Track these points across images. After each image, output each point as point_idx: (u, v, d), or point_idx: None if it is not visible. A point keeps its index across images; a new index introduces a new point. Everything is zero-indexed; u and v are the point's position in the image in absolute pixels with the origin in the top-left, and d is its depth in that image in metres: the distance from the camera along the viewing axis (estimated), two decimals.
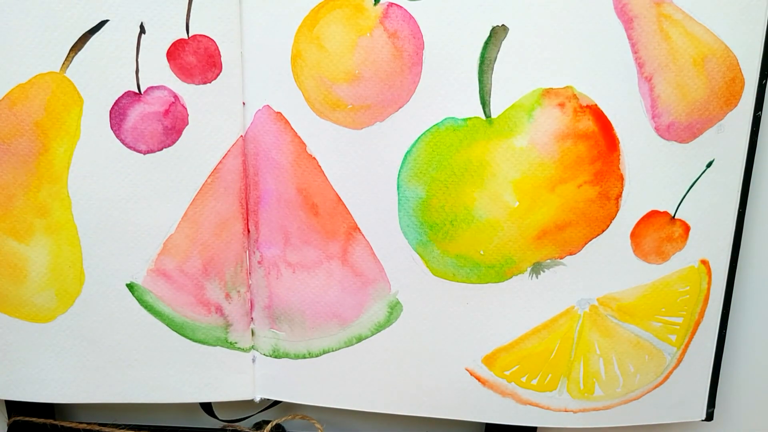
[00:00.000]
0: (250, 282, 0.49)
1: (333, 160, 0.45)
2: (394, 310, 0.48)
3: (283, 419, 0.54)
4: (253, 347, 0.50)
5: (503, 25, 0.42)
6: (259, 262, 0.48)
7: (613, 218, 0.45)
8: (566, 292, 0.47)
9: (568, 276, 0.47)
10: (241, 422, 0.55)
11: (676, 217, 0.45)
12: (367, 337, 0.49)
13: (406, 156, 0.45)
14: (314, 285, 0.48)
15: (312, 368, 0.50)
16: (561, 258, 0.46)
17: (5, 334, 0.49)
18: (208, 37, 0.44)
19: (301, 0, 0.43)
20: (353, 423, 0.56)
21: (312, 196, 0.46)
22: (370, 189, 0.46)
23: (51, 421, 0.54)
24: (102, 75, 0.44)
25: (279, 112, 0.45)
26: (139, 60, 0.44)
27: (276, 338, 0.50)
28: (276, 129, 0.45)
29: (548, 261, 0.46)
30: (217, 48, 0.44)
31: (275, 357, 0.50)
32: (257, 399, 0.51)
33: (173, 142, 0.45)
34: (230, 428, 0.55)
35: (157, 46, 0.44)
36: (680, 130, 0.44)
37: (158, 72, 0.44)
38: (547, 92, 0.43)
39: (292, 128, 0.45)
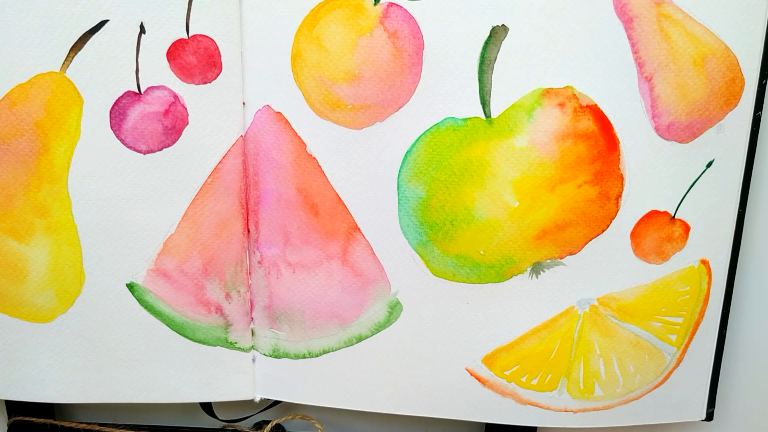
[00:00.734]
0: (250, 282, 0.49)
1: (333, 160, 0.45)
2: (394, 310, 0.48)
3: (283, 419, 0.54)
4: (253, 347, 0.50)
5: (503, 25, 0.42)
6: (259, 262, 0.48)
7: (613, 218, 0.45)
8: (566, 292, 0.47)
9: (568, 276, 0.47)
10: (241, 422, 0.55)
11: (676, 217, 0.45)
12: (367, 337, 0.49)
13: (406, 156, 0.45)
14: (314, 285, 0.48)
15: (312, 368, 0.50)
16: (561, 258, 0.46)
17: (5, 334, 0.49)
18: (208, 37, 0.44)
19: (301, 0, 0.43)
20: (353, 423, 0.56)
21: (312, 196, 0.46)
22: (370, 189, 0.46)
23: (51, 421, 0.54)
24: (102, 75, 0.44)
25: (279, 112, 0.45)
26: (139, 60, 0.44)
27: (276, 338, 0.50)
28: (276, 129, 0.45)
29: (548, 261, 0.46)
30: (217, 48, 0.44)
31: (275, 357, 0.50)
32: (257, 399, 0.51)
33: (173, 142, 0.45)
34: (230, 428, 0.55)
35: (157, 46, 0.44)
36: (680, 130, 0.44)
37: (158, 72, 0.44)
38: (547, 92, 0.43)
39: (292, 128, 0.45)
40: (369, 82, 0.43)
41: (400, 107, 0.44)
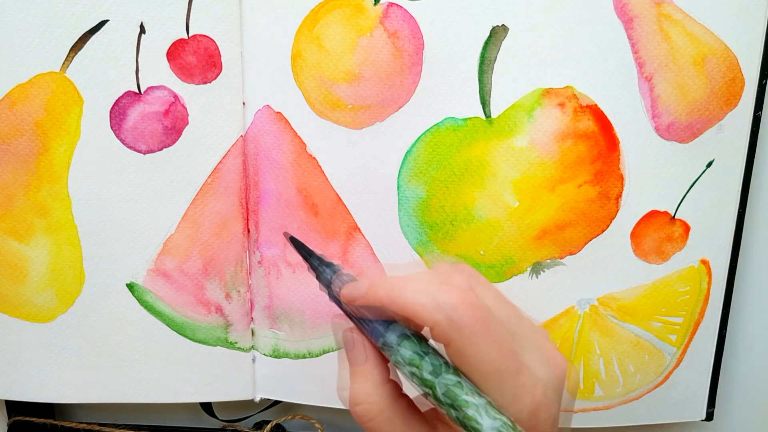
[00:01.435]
0: (250, 282, 0.49)
1: (333, 160, 0.45)
2: None
3: (283, 419, 0.54)
4: (253, 347, 0.50)
5: (503, 25, 0.42)
6: (259, 262, 0.48)
7: (613, 218, 0.45)
8: (566, 291, 0.47)
9: (568, 276, 0.47)
10: (241, 422, 0.55)
11: (676, 217, 0.45)
12: None
13: (406, 156, 0.45)
14: (314, 285, 0.47)
15: (312, 368, 0.50)
16: (561, 258, 0.46)
17: (5, 334, 0.49)
18: (208, 37, 0.44)
19: (301, 0, 0.43)
20: (353, 423, 0.56)
21: (312, 196, 0.46)
22: (370, 189, 0.46)
23: (51, 420, 0.54)
24: (102, 75, 0.44)
25: (279, 112, 0.45)
26: (139, 60, 0.44)
27: (276, 338, 0.50)
28: (276, 129, 0.45)
29: (548, 261, 0.46)
30: (217, 48, 0.44)
31: (275, 357, 0.50)
32: (257, 399, 0.51)
33: (173, 142, 0.45)
34: (230, 428, 0.55)
35: (157, 46, 0.44)
36: (680, 130, 0.44)
37: (158, 72, 0.44)
38: (547, 92, 0.43)
39: (292, 128, 0.45)
40: (369, 82, 0.43)
41: (400, 107, 0.44)
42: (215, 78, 0.44)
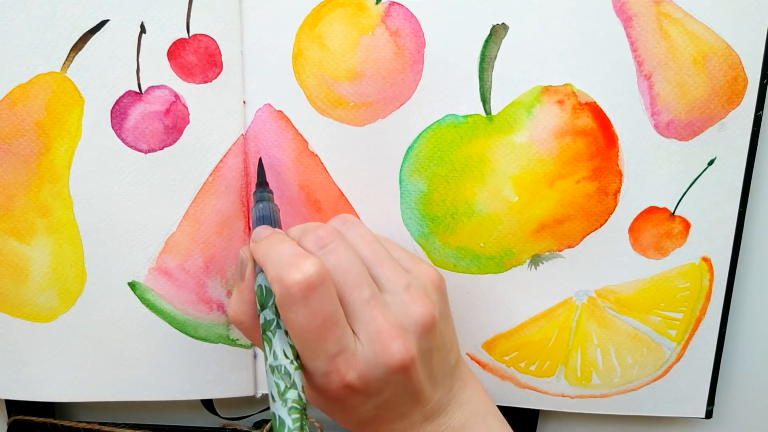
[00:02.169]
0: None
1: (335, 157, 0.46)
2: None
3: None
4: (254, 344, 0.50)
5: (503, 23, 0.43)
6: None
7: (611, 213, 0.46)
8: (564, 283, 0.48)
9: (567, 268, 0.47)
10: (241, 421, 0.55)
11: (675, 213, 0.46)
12: None
13: (407, 152, 0.45)
14: None
15: None
16: (559, 251, 0.47)
17: (7, 334, 0.49)
18: (208, 36, 0.44)
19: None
20: None
21: (314, 192, 0.46)
22: (372, 184, 0.46)
23: (51, 420, 0.54)
24: (103, 75, 0.44)
25: (280, 111, 0.45)
26: (139, 59, 0.44)
27: None
28: (277, 127, 0.46)
29: (547, 253, 0.47)
30: (217, 47, 0.44)
31: None
32: (259, 395, 0.52)
33: (174, 141, 0.45)
34: (230, 427, 0.55)
35: (157, 45, 0.44)
36: (680, 128, 0.45)
37: (159, 71, 0.44)
38: (547, 90, 0.44)
39: (293, 126, 0.45)
40: (371, 80, 0.44)
41: (402, 104, 0.44)
42: (216, 77, 0.44)
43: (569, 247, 0.47)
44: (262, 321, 0.37)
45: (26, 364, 0.49)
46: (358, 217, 0.47)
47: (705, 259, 0.47)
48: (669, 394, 0.51)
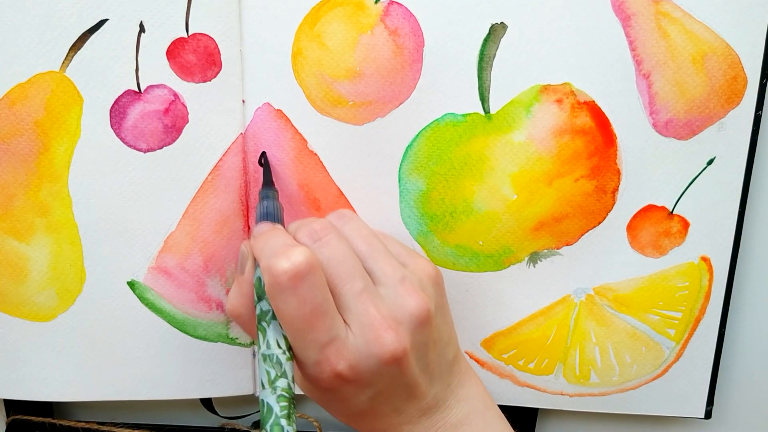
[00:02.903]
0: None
1: (335, 156, 0.46)
2: None
3: None
4: (253, 343, 0.50)
5: (502, 22, 0.43)
6: None
7: (610, 211, 0.46)
8: (563, 281, 0.48)
9: (565, 266, 0.48)
10: (240, 420, 0.55)
11: (674, 212, 0.46)
12: None
13: (406, 150, 0.45)
14: None
15: None
16: (558, 248, 0.47)
17: (6, 334, 0.49)
18: (207, 35, 0.44)
19: None
20: None
21: (314, 191, 0.46)
22: (371, 183, 0.46)
23: (50, 419, 0.54)
24: (102, 74, 0.44)
25: (279, 110, 0.45)
26: (138, 59, 0.44)
27: None
28: (276, 126, 0.46)
29: (545, 251, 0.47)
30: (216, 46, 0.44)
31: None
32: (258, 394, 0.52)
33: (173, 141, 0.45)
34: (229, 426, 0.55)
35: (156, 44, 0.44)
36: (679, 127, 0.45)
37: (158, 71, 0.44)
38: (545, 89, 0.44)
39: (292, 125, 0.45)
40: (370, 79, 0.44)
41: (401, 103, 0.45)
42: (215, 76, 0.45)
43: (567, 245, 0.47)
44: (258, 312, 0.38)
45: (25, 364, 0.49)
46: (357, 214, 0.47)
47: (704, 259, 0.47)
48: (668, 393, 0.51)
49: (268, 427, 0.35)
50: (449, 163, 0.45)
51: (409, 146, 0.45)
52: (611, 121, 0.44)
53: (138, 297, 0.48)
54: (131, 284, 0.48)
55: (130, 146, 0.45)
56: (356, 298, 0.37)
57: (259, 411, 0.54)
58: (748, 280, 0.51)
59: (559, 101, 0.44)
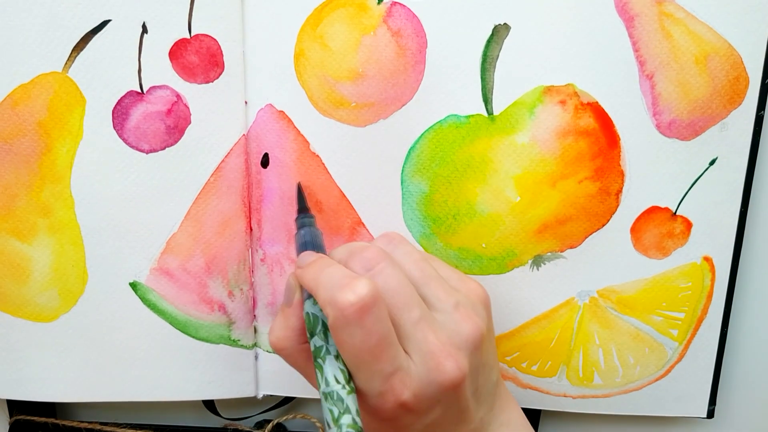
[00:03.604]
0: (253, 279, 0.49)
1: (337, 158, 0.46)
2: None
3: (284, 418, 0.54)
4: (255, 344, 0.50)
5: (505, 23, 0.43)
6: (261, 260, 0.48)
7: (614, 213, 0.46)
8: (566, 283, 0.48)
9: (569, 268, 0.47)
10: (243, 421, 0.55)
11: (677, 213, 0.46)
12: None
13: (409, 152, 0.45)
14: None
15: None
16: (561, 251, 0.47)
17: (8, 334, 0.49)
18: (210, 36, 0.44)
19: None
20: None
21: (316, 193, 0.46)
22: (374, 185, 0.46)
23: (52, 420, 0.54)
24: (104, 75, 0.44)
25: (282, 111, 0.45)
26: (141, 60, 0.44)
27: None
28: (279, 127, 0.46)
29: (549, 254, 0.47)
30: (219, 47, 0.44)
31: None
32: (260, 396, 0.52)
33: (176, 142, 0.45)
34: (231, 427, 0.55)
35: (159, 45, 0.44)
36: (682, 128, 0.45)
37: (160, 71, 0.44)
38: (549, 90, 0.44)
39: (294, 126, 0.45)
40: (373, 81, 0.44)
41: (404, 105, 0.44)
42: (217, 77, 0.44)
43: (571, 248, 0.47)
44: (312, 348, 0.37)
45: (28, 364, 0.49)
46: (359, 218, 0.47)
47: (706, 259, 0.47)
48: (671, 394, 0.50)
49: None
50: (452, 164, 0.45)
51: (412, 148, 0.45)
52: (615, 122, 0.44)
53: (140, 298, 0.48)
54: (133, 285, 0.48)
55: (132, 147, 0.45)
56: (415, 326, 0.36)
57: (260, 412, 0.55)
58: (750, 279, 0.51)
59: (563, 102, 0.44)
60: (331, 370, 0.36)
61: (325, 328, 0.37)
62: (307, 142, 0.46)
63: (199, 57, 0.44)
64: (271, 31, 0.44)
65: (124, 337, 0.49)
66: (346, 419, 0.35)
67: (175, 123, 0.45)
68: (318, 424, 0.53)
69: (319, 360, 0.36)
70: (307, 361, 0.39)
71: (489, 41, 0.43)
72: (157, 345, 0.49)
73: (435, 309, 0.38)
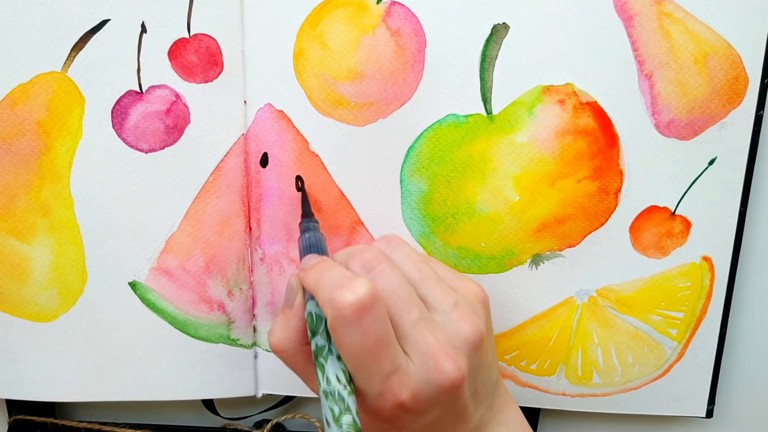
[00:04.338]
0: (252, 279, 0.49)
1: (336, 157, 0.46)
2: None
3: (283, 418, 0.54)
4: (255, 344, 0.50)
5: (504, 23, 0.43)
6: (261, 259, 0.48)
7: (612, 212, 0.46)
8: (565, 282, 0.48)
9: (567, 267, 0.47)
10: (242, 421, 0.55)
11: (676, 213, 0.46)
12: None
13: (408, 151, 0.45)
14: None
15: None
16: (560, 250, 0.47)
17: (7, 334, 0.49)
18: (209, 36, 0.44)
19: None
20: None
21: (315, 192, 0.46)
22: (373, 184, 0.46)
23: (51, 419, 0.54)
24: (103, 74, 0.44)
25: (281, 110, 0.45)
26: (140, 59, 0.44)
27: None
28: (278, 127, 0.46)
29: (548, 253, 0.47)
30: (218, 47, 0.44)
31: None
32: (259, 395, 0.52)
33: (175, 141, 0.45)
34: (231, 427, 0.55)
35: (158, 45, 0.44)
36: (681, 128, 0.45)
37: (160, 71, 0.44)
38: (548, 89, 0.44)
39: (294, 126, 0.45)
40: (372, 80, 0.44)
41: (403, 104, 0.44)
42: (217, 77, 0.45)
43: (570, 247, 0.47)
44: (313, 347, 0.37)
45: (27, 364, 0.49)
46: (358, 217, 0.47)
47: (706, 259, 0.47)
48: (670, 393, 0.51)
49: None
50: (451, 164, 0.45)
51: (411, 147, 0.45)
52: (614, 121, 0.44)
53: (139, 297, 0.48)
54: (132, 285, 0.48)
55: (131, 147, 0.45)
56: (414, 327, 0.37)
57: (259, 412, 0.55)
58: (749, 279, 0.51)
59: (562, 102, 0.44)
60: (333, 369, 0.36)
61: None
62: (307, 141, 0.46)
63: (198, 56, 0.44)
64: (271, 30, 0.44)
65: (123, 336, 0.49)
66: (346, 419, 0.35)
67: (175, 122, 0.45)
68: (317, 424, 0.53)
69: (321, 359, 0.37)
70: (306, 363, 0.39)
71: (488, 41, 0.43)
72: (157, 344, 0.49)
73: (434, 309, 0.38)
